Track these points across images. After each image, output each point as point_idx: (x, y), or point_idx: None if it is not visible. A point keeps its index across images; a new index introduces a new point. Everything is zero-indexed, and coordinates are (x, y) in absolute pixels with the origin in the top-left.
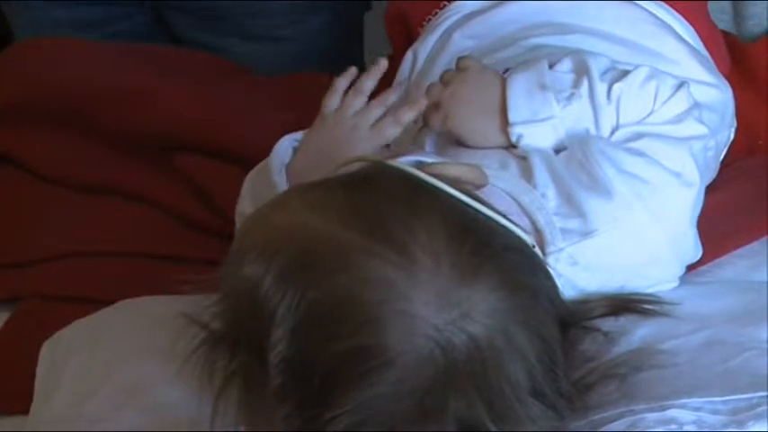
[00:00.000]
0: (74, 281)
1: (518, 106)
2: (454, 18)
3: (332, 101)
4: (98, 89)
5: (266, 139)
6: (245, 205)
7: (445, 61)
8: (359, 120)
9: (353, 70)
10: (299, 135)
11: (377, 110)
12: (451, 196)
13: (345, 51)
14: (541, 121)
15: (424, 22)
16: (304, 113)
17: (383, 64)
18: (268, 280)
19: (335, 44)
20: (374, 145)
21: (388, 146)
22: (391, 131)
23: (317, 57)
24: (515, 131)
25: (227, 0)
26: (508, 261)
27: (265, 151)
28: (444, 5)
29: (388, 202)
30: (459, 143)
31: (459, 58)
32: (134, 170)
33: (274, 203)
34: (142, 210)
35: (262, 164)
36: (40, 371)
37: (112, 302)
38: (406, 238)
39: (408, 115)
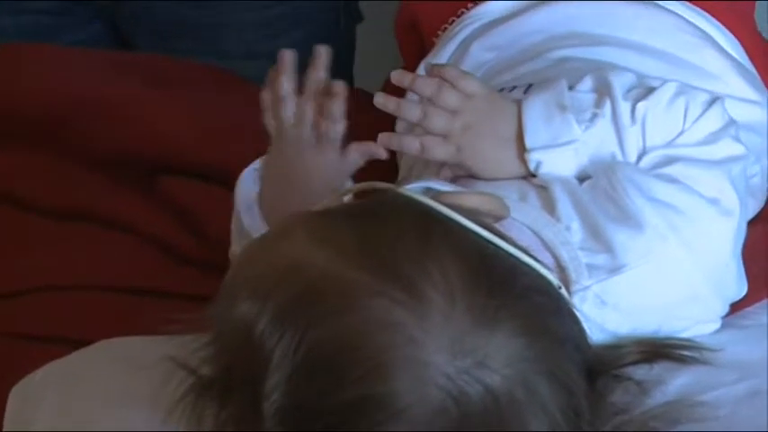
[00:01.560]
0: (46, 318)
1: (536, 130)
2: (472, 27)
3: (286, 109)
4: (76, 101)
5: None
6: (236, 246)
7: None
8: (298, 131)
9: (285, 60)
10: (257, 162)
11: (311, 111)
12: (469, 230)
13: (333, 68)
14: (562, 145)
15: (440, 32)
16: None
17: (323, 52)
18: (264, 320)
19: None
20: (333, 153)
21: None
22: (353, 157)
23: (299, 74)
24: (534, 158)
25: (191, 10)
26: (531, 303)
27: None
28: (462, 13)
29: (397, 236)
30: (472, 175)
31: (450, 69)
32: (114, 194)
33: (271, 235)
34: (123, 238)
35: None
36: (8, 419)
37: (90, 342)
38: (417, 276)
39: (410, 145)
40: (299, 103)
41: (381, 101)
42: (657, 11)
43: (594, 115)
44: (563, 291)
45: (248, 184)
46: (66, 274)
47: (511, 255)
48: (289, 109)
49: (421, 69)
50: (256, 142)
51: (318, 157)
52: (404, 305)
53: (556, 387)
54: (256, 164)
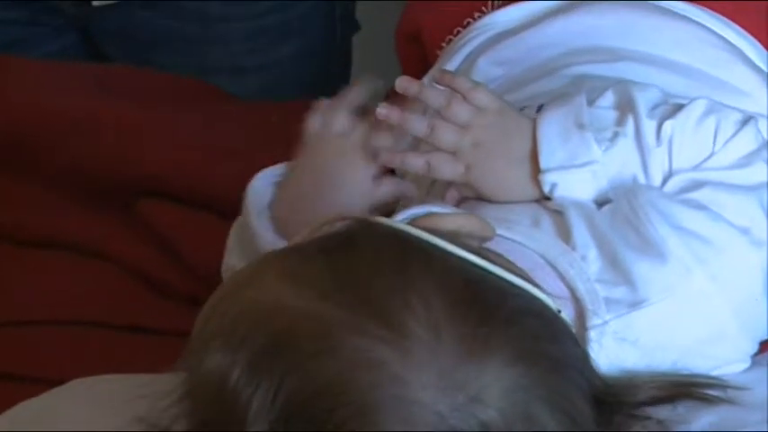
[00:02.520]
0: (15, 355)
1: (551, 149)
2: (479, 39)
3: (312, 123)
4: (46, 119)
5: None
6: (234, 258)
7: None
8: (345, 141)
9: (348, 90)
10: (278, 168)
11: (370, 127)
12: (451, 254)
13: (325, 83)
14: (579, 166)
15: (444, 44)
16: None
17: (376, 81)
18: (237, 371)
19: (312, 75)
20: (367, 175)
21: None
22: (390, 160)
23: (289, 90)
24: (548, 180)
25: (172, 21)
26: (524, 327)
27: None
28: (468, 23)
29: (375, 268)
30: (482, 197)
31: (461, 80)
32: (87, 218)
33: (241, 277)
34: (97, 268)
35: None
36: None
37: (62, 382)
38: (397, 309)
39: (414, 162)
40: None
41: (384, 112)
42: (683, 23)
43: (616, 134)
44: (562, 314)
45: (261, 189)
46: (35, 307)
47: (499, 277)
48: (317, 122)
49: (425, 83)
50: (245, 164)
51: (356, 172)
52: (385, 341)
53: (558, 416)
54: (273, 170)
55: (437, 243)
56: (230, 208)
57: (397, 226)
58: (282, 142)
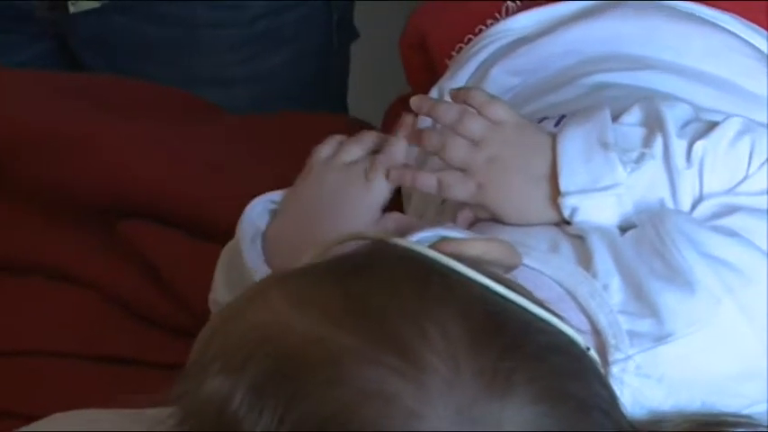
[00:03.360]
0: None
1: (572, 171)
2: (493, 48)
3: (325, 148)
4: (18, 133)
5: (245, 202)
6: (219, 291)
7: None
8: (356, 170)
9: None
10: (276, 195)
11: (383, 158)
12: (473, 282)
13: (320, 95)
14: (603, 190)
15: (453, 53)
16: (296, 167)
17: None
18: (238, 396)
19: (307, 86)
20: (374, 204)
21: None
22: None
23: (282, 103)
24: (568, 203)
25: (153, 27)
26: (549, 365)
27: None
28: (480, 30)
29: (390, 293)
30: (496, 219)
31: (477, 94)
32: (65, 241)
33: (244, 298)
34: (77, 295)
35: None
36: None
37: (40, 417)
38: (414, 338)
39: (425, 181)
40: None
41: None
42: (711, 29)
43: (642, 155)
44: (593, 353)
45: (255, 216)
46: (10, 337)
47: (524, 309)
48: (331, 148)
49: (433, 95)
50: (235, 184)
51: (364, 201)
52: (399, 373)
53: None
54: (271, 196)
55: (459, 269)
56: (219, 231)
57: (417, 249)
58: (277, 159)
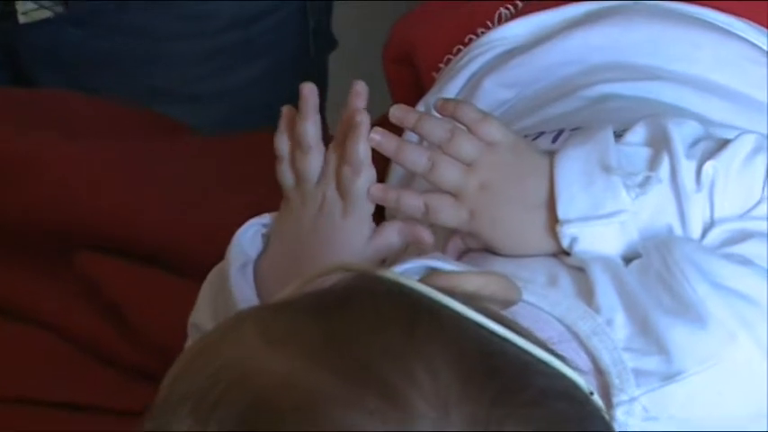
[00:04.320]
0: None
1: (571, 197)
2: (484, 58)
3: (285, 175)
4: None
5: (212, 232)
6: (203, 316)
7: None
8: (330, 202)
9: (308, 96)
10: (266, 218)
11: (355, 185)
12: (467, 319)
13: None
14: (605, 217)
15: (441, 65)
16: (270, 193)
17: (361, 89)
18: None
19: (280, 102)
20: (361, 233)
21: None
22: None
23: (254, 121)
24: (567, 232)
25: (111, 37)
26: (549, 411)
27: (214, 252)
28: (470, 40)
29: (374, 330)
30: (488, 249)
31: (467, 109)
32: (15, 276)
33: (218, 332)
34: (31, 335)
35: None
36: None
37: None
38: (399, 380)
39: (411, 202)
40: (327, 155)
41: (378, 138)
42: (722, 36)
43: (648, 179)
44: (596, 398)
45: (248, 239)
46: None
47: (523, 350)
48: (314, 162)
49: (419, 109)
50: (203, 210)
51: (345, 223)
52: (383, 418)
53: None
54: (261, 219)
55: (451, 305)
56: (186, 262)
57: (406, 282)
58: (249, 184)
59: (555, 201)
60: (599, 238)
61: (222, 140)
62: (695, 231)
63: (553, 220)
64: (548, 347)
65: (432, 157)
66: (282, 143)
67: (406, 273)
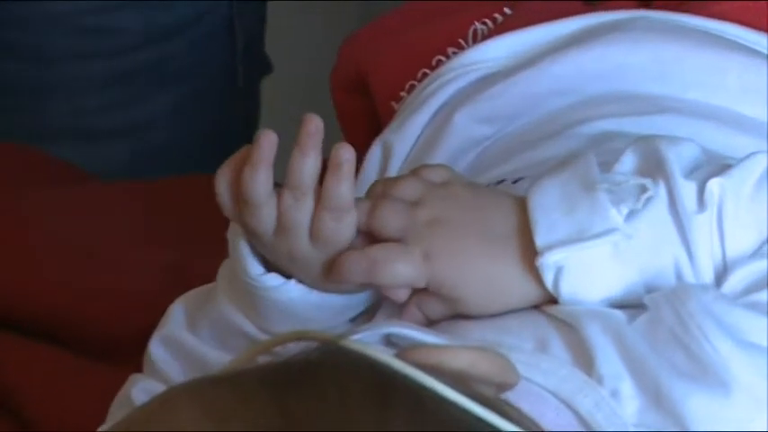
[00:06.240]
0: None
1: (552, 224)
2: (456, 85)
3: (232, 235)
4: None
5: (120, 302)
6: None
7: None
8: (292, 244)
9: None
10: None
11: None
12: (451, 405)
13: (222, 150)
14: (593, 238)
15: (403, 93)
16: (196, 248)
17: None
18: None
19: (204, 138)
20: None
21: None
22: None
23: (170, 163)
24: (550, 262)
25: None
26: None
27: (124, 325)
28: (439, 62)
29: (340, 416)
30: (457, 309)
31: (412, 173)
32: None
33: (146, 411)
34: None
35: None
36: None
37: None
38: None
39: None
40: (282, 203)
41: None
42: (749, 58)
43: (642, 189)
44: None
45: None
46: None
47: None
48: (267, 215)
49: (376, 151)
50: (104, 275)
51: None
52: None
53: None
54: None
55: (433, 387)
56: (95, 342)
57: (378, 357)
58: (167, 241)
59: (529, 230)
60: (589, 269)
61: (129, 188)
62: (704, 264)
63: (530, 255)
64: None
65: (372, 203)
66: (225, 199)
67: (365, 339)
